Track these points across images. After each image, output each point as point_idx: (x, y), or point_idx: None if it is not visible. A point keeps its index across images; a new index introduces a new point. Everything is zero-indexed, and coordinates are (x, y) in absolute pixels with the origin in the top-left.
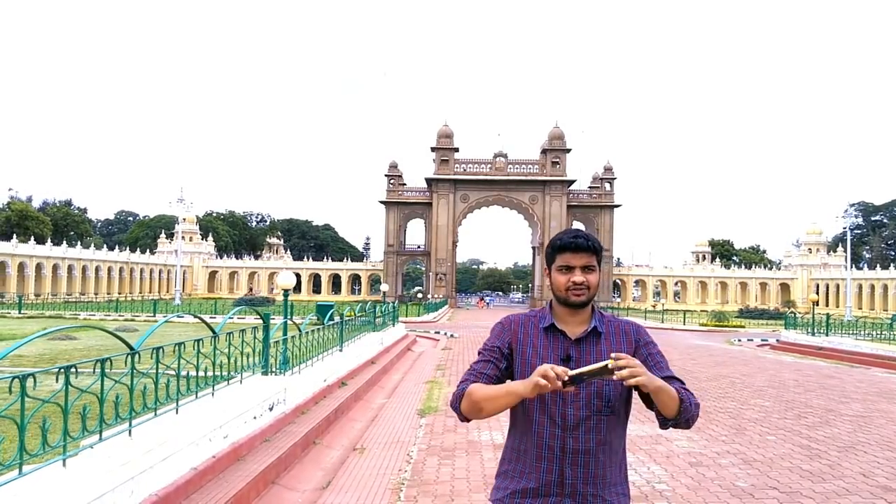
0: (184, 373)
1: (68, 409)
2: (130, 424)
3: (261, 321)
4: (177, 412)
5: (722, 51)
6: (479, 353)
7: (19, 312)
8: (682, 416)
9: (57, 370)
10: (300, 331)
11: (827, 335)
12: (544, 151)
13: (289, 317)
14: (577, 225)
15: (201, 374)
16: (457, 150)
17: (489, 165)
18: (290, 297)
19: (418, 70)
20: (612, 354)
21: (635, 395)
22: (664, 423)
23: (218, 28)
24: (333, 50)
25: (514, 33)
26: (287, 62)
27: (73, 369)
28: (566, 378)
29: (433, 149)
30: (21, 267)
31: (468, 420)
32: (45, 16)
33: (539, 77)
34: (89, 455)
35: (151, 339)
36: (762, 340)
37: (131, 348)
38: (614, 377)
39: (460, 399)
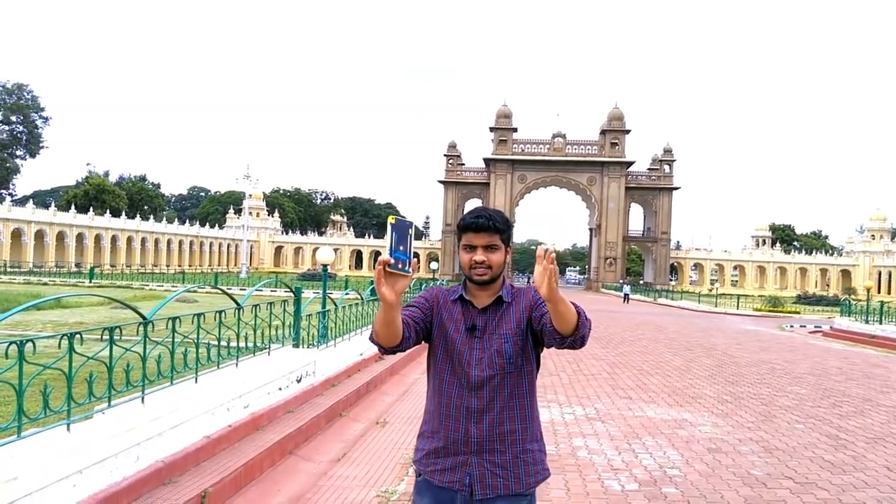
0: (205, 342)
1: (72, 374)
2: (143, 392)
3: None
4: (196, 381)
5: (785, 31)
6: (407, 306)
7: (90, 282)
8: (578, 331)
9: (59, 336)
10: (336, 305)
11: (881, 323)
12: (603, 132)
13: (327, 291)
14: (636, 207)
15: (224, 344)
16: (515, 130)
17: (547, 146)
18: (350, 274)
19: (478, 50)
20: (549, 244)
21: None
22: (561, 341)
23: (282, 13)
24: (399, 33)
25: (574, 13)
26: (354, 46)
27: (77, 336)
28: (390, 263)
29: (492, 129)
30: (97, 238)
31: (384, 350)
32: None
33: (599, 57)
34: (97, 421)
35: (187, 309)
36: (815, 327)
37: (143, 318)
38: (534, 282)
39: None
